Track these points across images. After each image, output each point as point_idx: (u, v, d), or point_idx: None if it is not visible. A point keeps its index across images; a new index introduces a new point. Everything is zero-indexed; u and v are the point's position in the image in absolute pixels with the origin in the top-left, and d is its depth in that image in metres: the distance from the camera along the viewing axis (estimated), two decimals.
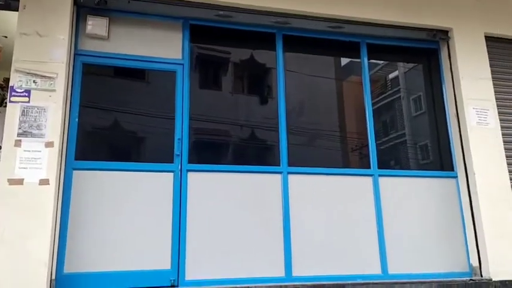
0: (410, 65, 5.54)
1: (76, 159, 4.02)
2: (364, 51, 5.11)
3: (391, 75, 5.48)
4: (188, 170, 4.24)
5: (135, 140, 4.38)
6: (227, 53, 4.91)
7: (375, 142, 4.81)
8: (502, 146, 4.87)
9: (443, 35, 5.21)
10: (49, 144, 3.74)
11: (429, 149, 5.24)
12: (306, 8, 4.74)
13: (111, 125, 4.31)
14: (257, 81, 4.97)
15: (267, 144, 4.68)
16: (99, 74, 4.39)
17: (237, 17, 4.63)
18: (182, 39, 4.59)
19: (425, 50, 5.38)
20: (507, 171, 4.78)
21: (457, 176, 4.92)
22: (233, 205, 4.29)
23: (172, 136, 4.30)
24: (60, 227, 3.82)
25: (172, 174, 4.20)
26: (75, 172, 3.99)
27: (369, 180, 4.69)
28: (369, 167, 4.73)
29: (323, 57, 5.18)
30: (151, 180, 4.14)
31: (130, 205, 4.04)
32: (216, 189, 4.29)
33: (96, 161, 4.11)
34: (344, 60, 5.26)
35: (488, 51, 5.20)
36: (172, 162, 4.23)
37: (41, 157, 3.70)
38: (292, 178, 4.49)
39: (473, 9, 5.25)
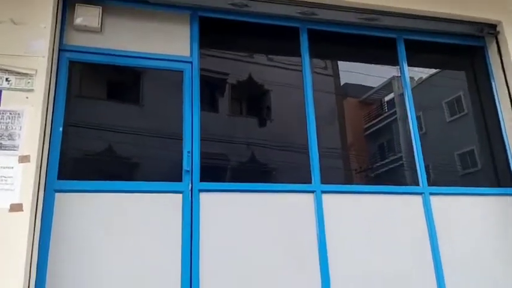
0: (451, 65, 4.83)
1: (59, 178, 3.18)
2: (402, 50, 4.36)
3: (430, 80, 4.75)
4: (200, 190, 3.40)
5: (133, 154, 3.56)
6: (241, 51, 4.15)
7: (422, 155, 4.01)
8: None
9: (491, 29, 4.49)
10: (24, 159, 2.90)
11: (480, 162, 4.46)
12: None
13: (104, 135, 3.50)
14: (279, 86, 4.19)
15: (295, 158, 3.87)
16: (89, 74, 3.60)
17: (255, 7, 3.88)
18: (190, 33, 3.83)
19: (468, 47, 4.66)
20: None
21: None
22: (256, 233, 3.45)
23: (179, 148, 3.48)
24: (37, 265, 2.94)
25: (181, 195, 3.35)
26: (57, 195, 3.14)
27: (418, 199, 3.86)
28: (418, 184, 3.92)
29: (354, 57, 4.45)
30: (155, 204, 3.30)
31: (130, 235, 3.19)
32: (234, 214, 3.45)
33: (86, 180, 3.27)
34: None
35: None
36: (181, 181, 3.39)
37: (13, 175, 2.86)
38: (327, 198, 3.66)
39: None
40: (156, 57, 3.66)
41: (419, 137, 4.08)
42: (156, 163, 3.57)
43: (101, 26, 3.60)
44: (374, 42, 4.37)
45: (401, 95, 4.36)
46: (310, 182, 3.69)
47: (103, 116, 3.60)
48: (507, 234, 3.97)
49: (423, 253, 3.71)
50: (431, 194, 3.87)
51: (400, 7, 4.17)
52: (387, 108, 4.75)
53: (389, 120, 4.63)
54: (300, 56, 4.08)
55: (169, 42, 3.77)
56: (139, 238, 3.19)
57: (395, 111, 4.52)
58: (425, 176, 3.93)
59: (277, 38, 4.16)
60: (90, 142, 3.50)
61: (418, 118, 4.21)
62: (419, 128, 4.18)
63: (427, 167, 3.99)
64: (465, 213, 3.96)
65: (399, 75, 4.42)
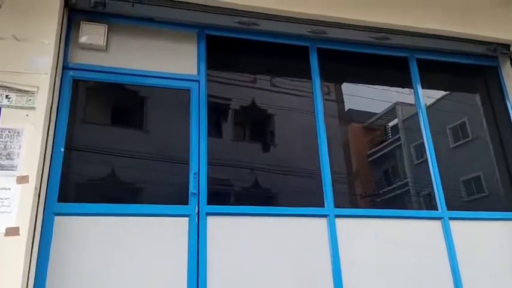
0: (462, 85, 4.71)
1: (60, 201, 3.01)
2: (414, 69, 4.24)
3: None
4: (208, 214, 3.22)
5: (138, 176, 3.39)
6: (249, 70, 4.03)
7: (440, 179, 3.83)
8: None
9: (505, 49, 4.39)
10: (22, 180, 2.74)
11: (497, 185, 4.27)
12: (345, 15, 3.91)
13: (108, 156, 3.35)
14: (288, 108, 4.05)
15: (306, 181, 3.70)
16: (94, 93, 3.49)
17: (264, 25, 3.79)
18: (197, 51, 3.73)
19: (481, 67, 4.54)
20: None
21: None
22: (266, 259, 3.24)
23: (186, 170, 3.32)
24: None
25: (187, 219, 3.17)
26: (57, 218, 2.96)
27: (437, 223, 3.66)
28: (436, 209, 3.72)
29: (365, 78, 4.34)
30: (160, 228, 3.12)
31: (133, 261, 2.99)
32: (244, 238, 3.25)
33: (87, 203, 3.10)
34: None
35: None
36: (187, 204, 3.21)
37: (11, 197, 2.69)
38: (340, 223, 3.46)
39: None
40: (163, 75, 3.55)
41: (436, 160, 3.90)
42: (162, 186, 3.40)
43: (107, 44, 3.50)
44: (386, 62, 4.27)
45: (406, 120, 4.23)
46: (323, 206, 3.50)
47: (107, 137, 3.47)
48: None
49: (443, 278, 3.49)
50: (450, 218, 3.67)
51: (412, 26, 4.07)
52: (395, 133, 4.59)
53: (397, 144, 4.46)
54: (309, 76, 3.95)
55: (175, 60, 3.67)
56: (143, 263, 2.99)
57: (405, 135, 4.38)
58: (444, 200, 3.74)
59: (286, 58, 4.06)
60: (93, 164, 3.35)
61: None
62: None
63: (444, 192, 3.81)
64: (485, 238, 3.76)
65: (406, 99, 4.32)
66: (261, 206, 3.37)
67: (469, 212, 3.83)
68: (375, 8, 4.01)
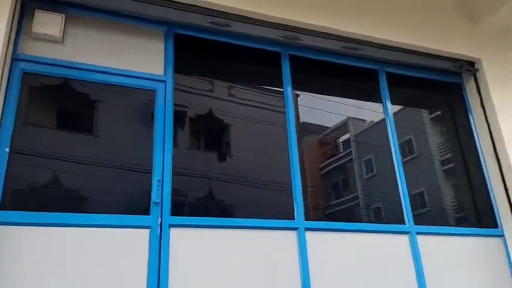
0: (428, 103, 4.74)
1: (1, 208, 2.64)
2: (383, 81, 4.21)
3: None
4: (171, 225, 2.96)
5: (93, 181, 3.07)
6: (218, 74, 3.81)
7: (408, 194, 3.79)
8: None
9: (470, 66, 4.46)
10: None
11: (461, 202, 4.31)
12: (319, 22, 3.82)
13: (59, 160, 3.01)
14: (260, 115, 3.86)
15: (276, 192, 3.53)
16: (46, 89, 3.15)
17: (236, 27, 3.61)
18: (165, 51, 3.48)
19: (444, 84, 4.59)
20: None
21: (503, 234, 3.95)
22: (234, 274, 3.02)
23: (148, 177, 3.04)
24: None
25: (148, 230, 2.89)
26: None
27: (404, 237, 3.61)
28: (404, 223, 3.67)
29: (335, 88, 4.26)
30: (116, 240, 2.82)
31: (84, 277, 2.67)
32: (210, 253, 3.01)
33: (33, 211, 2.74)
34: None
35: None
36: (149, 214, 2.94)
37: None
38: (310, 236, 3.31)
39: (503, 38, 4.59)
40: (126, 73, 3.27)
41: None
42: (119, 195, 3.09)
43: (63, 36, 3.18)
44: (356, 73, 4.20)
45: (358, 135, 4.22)
46: (292, 219, 3.34)
47: (59, 138, 3.12)
48: (493, 274, 3.79)
49: None
50: (417, 233, 3.63)
51: (383, 38, 4.06)
52: (348, 147, 4.47)
53: (349, 158, 4.35)
54: (281, 84, 3.81)
55: (140, 59, 3.39)
56: (96, 280, 2.68)
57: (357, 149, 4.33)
58: (411, 214, 3.70)
59: (258, 63, 3.90)
60: (42, 167, 2.99)
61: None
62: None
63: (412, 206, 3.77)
64: (452, 253, 3.75)
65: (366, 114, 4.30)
66: (229, 218, 3.16)
67: (437, 226, 3.81)
68: (349, 18, 3.97)
